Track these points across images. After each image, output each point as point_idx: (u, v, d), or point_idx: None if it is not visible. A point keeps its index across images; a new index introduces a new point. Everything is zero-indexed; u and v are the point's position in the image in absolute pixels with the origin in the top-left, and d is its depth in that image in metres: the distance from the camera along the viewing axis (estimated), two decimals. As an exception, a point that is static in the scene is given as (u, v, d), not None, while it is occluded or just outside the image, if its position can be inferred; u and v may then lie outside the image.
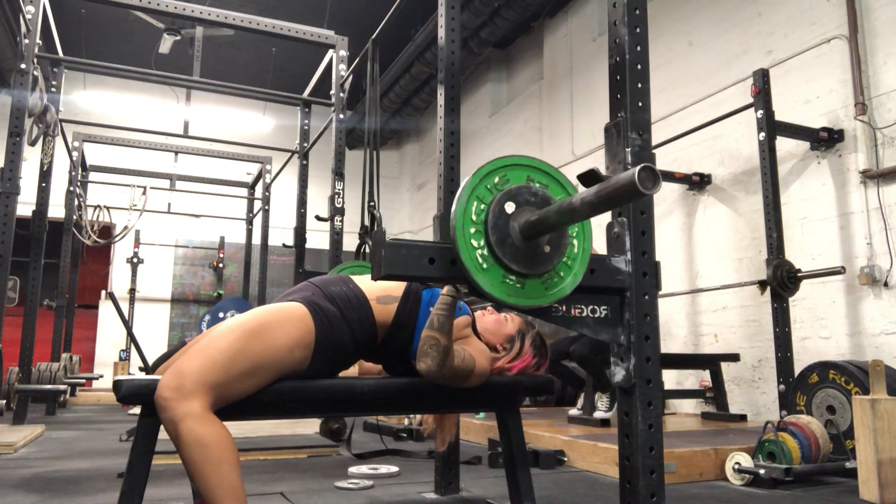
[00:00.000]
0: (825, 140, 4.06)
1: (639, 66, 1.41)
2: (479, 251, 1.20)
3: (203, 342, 1.48)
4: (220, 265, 9.35)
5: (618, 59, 1.42)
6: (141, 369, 6.04)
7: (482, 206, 1.23)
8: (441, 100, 2.49)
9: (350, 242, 4.08)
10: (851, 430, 2.75)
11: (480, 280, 1.19)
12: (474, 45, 7.11)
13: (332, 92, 4.69)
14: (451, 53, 2.51)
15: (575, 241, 1.31)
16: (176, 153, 7.34)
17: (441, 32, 2.54)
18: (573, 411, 3.97)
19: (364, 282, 1.75)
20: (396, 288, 1.76)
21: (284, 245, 5.52)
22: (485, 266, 1.21)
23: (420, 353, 1.56)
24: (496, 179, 1.25)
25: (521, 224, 1.22)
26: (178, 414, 1.33)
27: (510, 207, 1.23)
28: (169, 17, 5.80)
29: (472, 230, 1.21)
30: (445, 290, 1.60)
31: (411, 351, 1.73)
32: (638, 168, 1.01)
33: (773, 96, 3.86)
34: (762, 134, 3.81)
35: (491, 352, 1.82)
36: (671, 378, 5.20)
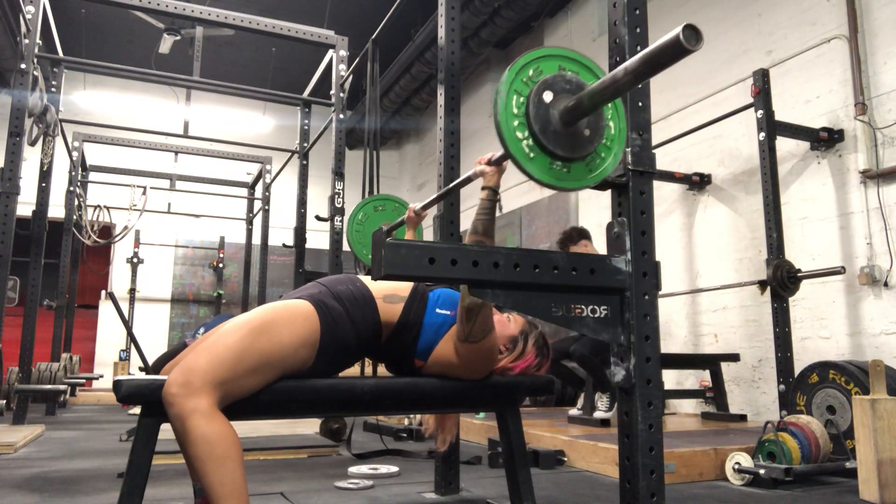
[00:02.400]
0: (825, 140, 4.06)
1: (639, 66, 1.41)
2: (525, 142, 1.24)
3: (210, 339, 1.49)
4: (220, 265, 9.35)
5: (618, 59, 1.42)
6: (141, 369, 6.04)
7: (521, 99, 1.26)
8: (441, 100, 2.49)
9: (350, 242, 4.08)
10: (851, 430, 2.75)
11: (530, 168, 1.23)
12: (474, 45, 7.10)
13: (332, 92, 4.69)
14: (451, 53, 2.51)
15: (611, 123, 1.35)
16: (176, 153, 7.34)
17: (441, 32, 2.54)
18: (573, 411, 3.97)
19: (371, 281, 1.76)
20: (404, 288, 1.76)
21: (284, 245, 5.52)
22: (532, 156, 1.24)
23: (459, 328, 1.61)
24: (531, 72, 1.28)
25: (560, 111, 1.26)
26: (185, 410, 1.34)
27: (548, 96, 1.26)
28: (169, 17, 5.80)
29: (516, 123, 1.24)
30: (484, 194, 1.66)
31: (416, 351, 1.74)
32: (681, 27, 1.03)
33: (773, 96, 3.87)
34: (762, 134, 3.81)
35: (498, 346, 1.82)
36: (671, 378, 5.20)
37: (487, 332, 1.67)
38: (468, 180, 1.86)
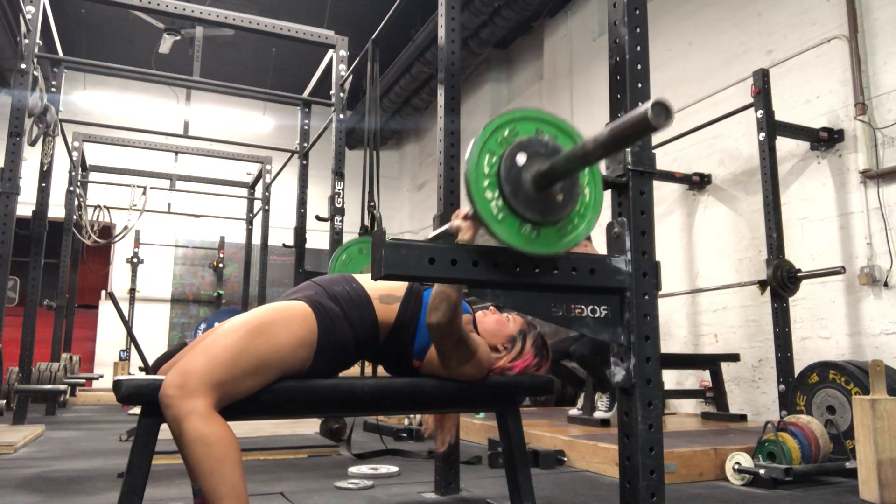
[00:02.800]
0: (825, 140, 4.06)
1: (639, 66, 1.41)
2: (494, 202, 1.23)
3: (207, 341, 1.48)
4: (220, 265, 9.35)
5: (618, 59, 1.42)
6: (141, 369, 6.03)
7: (494, 159, 1.25)
8: (441, 100, 2.49)
9: (350, 242, 4.07)
10: (851, 430, 2.75)
11: (498, 230, 1.22)
12: (474, 45, 7.10)
13: (332, 92, 4.69)
14: (451, 53, 2.51)
15: (586, 190, 1.34)
16: (176, 153, 7.34)
17: (441, 32, 2.54)
18: (573, 411, 3.97)
19: (367, 281, 1.75)
20: (399, 288, 1.76)
21: (284, 245, 5.52)
22: (500, 217, 1.23)
23: (430, 309, 1.58)
24: (506, 132, 1.27)
25: (533, 174, 1.25)
26: (182, 412, 1.34)
27: (521, 158, 1.25)
28: (169, 17, 5.80)
29: (486, 182, 1.23)
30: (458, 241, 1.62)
31: (413, 351, 1.74)
32: (650, 101, 1.00)
33: (773, 96, 3.86)
34: (762, 134, 3.81)
35: (492, 352, 1.82)
36: (671, 378, 5.20)
37: (464, 362, 1.67)
38: (446, 233, 1.81)
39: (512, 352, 1.84)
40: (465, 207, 1.65)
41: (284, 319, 1.54)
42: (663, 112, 1.00)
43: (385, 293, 1.73)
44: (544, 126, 1.32)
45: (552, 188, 1.26)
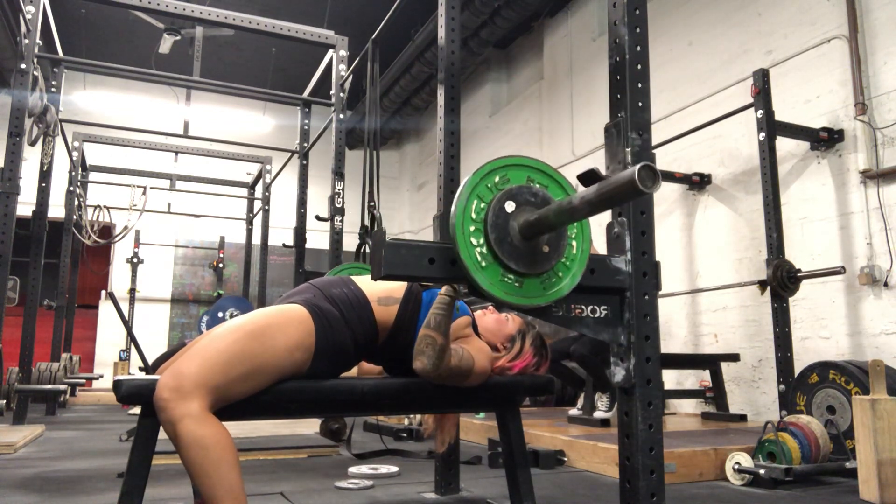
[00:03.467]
0: (825, 140, 4.06)
1: (639, 66, 1.41)
2: (479, 249, 1.21)
3: (202, 343, 1.47)
4: (220, 265, 9.35)
5: (618, 59, 1.42)
6: (141, 369, 6.03)
7: (482, 205, 1.23)
8: (441, 100, 2.49)
9: (350, 242, 4.08)
10: (851, 430, 2.75)
11: (479, 278, 1.20)
12: (474, 45, 7.10)
13: (332, 92, 4.69)
14: (451, 53, 2.51)
15: (574, 243, 1.32)
16: (176, 153, 7.34)
17: (441, 32, 2.54)
18: (573, 411, 3.97)
19: (365, 283, 1.75)
20: (398, 289, 1.76)
21: (284, 245, 5.52)
22: (483, 264, 1.21)
23: (416, 352, 1.57)
24: (497, 179, 1.25)
25: (520, 223, 1.23)
26: (176, 415, 1.33)
27: (510, 206, 1.24)
28: (169, 17, 5.80)
29: (472, 228, 1.21)
30: (444, 289, 1.60)
31: (412, 352, 1.73)
32: (638, 167, 1.01)
33: (773, 96, 3.86)
34: (762, 134, 3.81)
35: (492, 352, 1.82)
36: (671, 378, 5.20)
37: (461, 383, 1.66)
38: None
39: (511, 351, 1.84)
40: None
41: (281, 323, 1.53)
42: (650, 176, 1.01)
43: (384, 295, 1.73)
44: (536, 175, 1.30)
45: (539, 239, 1.24)
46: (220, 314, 6.11)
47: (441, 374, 1.58)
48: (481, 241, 1.21)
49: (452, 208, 1.21)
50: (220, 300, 6.80)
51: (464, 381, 1.66)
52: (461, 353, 1.64)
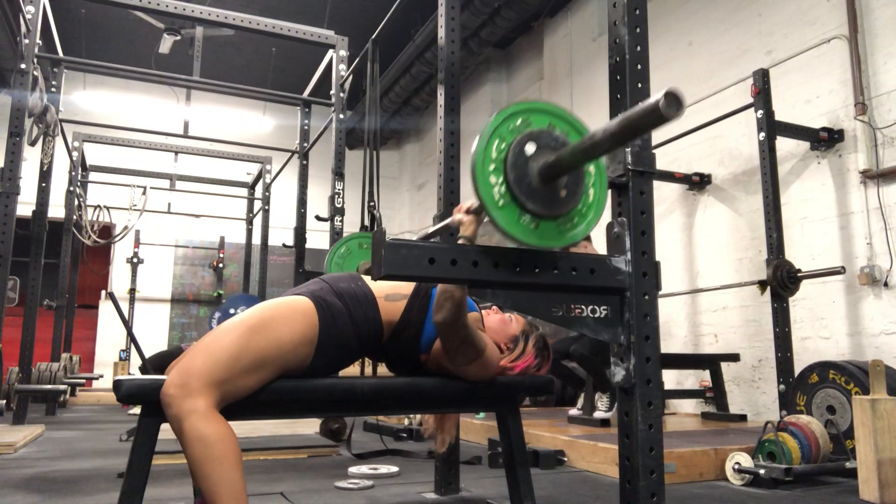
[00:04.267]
0: (825, 140, 4.06)
1: (639, 66, 1.41)
2: (497, 188, 1.22)
3: (207, 339, 1.48)
4: (220, 265, 9.35)
5: (618, 59, 1.42)
6: (141, 369, 6.03)
7: (503, 145, 1.24)
8: (441, 100, 2.49)
9: (350, 242, 4.07)
10: (851, 430, 2.75)
11: (497, 216, 1.21)
12: (474, 45, 7.10)
13: (332, 92, 4.69)
14: (451, 53, 2.51)
15: (591, 191, 1.33)
16: (176, 153, 7.34)
17: (441, 32, 2.54)
18: (573, 411, 3.97)
19: (373, 281, 1.75)
20: (406, 286, 1.76)
21: (284, 245, 5.52)
22: (501, 203, 1.22)
23: (435, 307, 1.58)
24: (519, 121, 1.26)
25: (540, 165, 1.24)
26: (182, 411, 1.34)
27: (531, 148, 1.24)
28: (169, 17, 5.80)
29: (492, 167, 1.23)
30: (460, 242, 1.61)
31: (420, 346, 1.73)
32: (662, 92, 1.00)
33: (773, 96, 3.86)
34: (762, 134, 3.81)
35: (496, 354, 1.82)
36: (671, 378, 5.20)
37: (472, 360, 1.66)
38: (447, 227, 1.82)
39: (514, 352, 1.84)
40: (466, 202, 1.65)
41: (285, 315, 1.54)
42: (675, 102, 1.00)
43: (391, 291, 1.73)
44: (557, 121, 1.31)
45: (557, 182, 1.25)
46: (232, 311, 6.10)
47: (457, 332, 1.58)
48: (500, 179, 1.23)
49: (473, 146, 1.22)
50: (231, 298, 6.78)
51: (472, 362, 1.66)
52: (477, 332, 1.66)
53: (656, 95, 1.01)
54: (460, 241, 1.59)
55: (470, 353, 1.65)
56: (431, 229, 1.98)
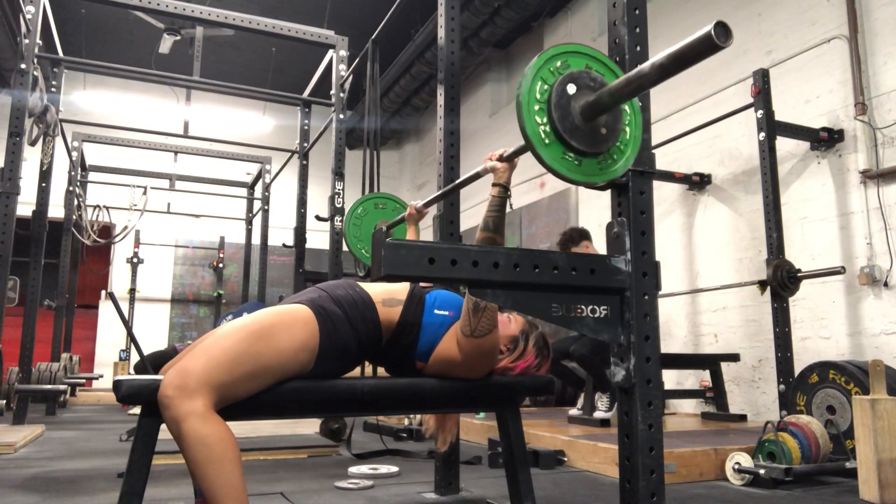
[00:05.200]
0: (825, 140, 4.06)
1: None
2: (542, 127, 1.26)
3: (207, 342, 1.48)
4: (220, 265, 9.35)
5: (618, 59, 1.42)
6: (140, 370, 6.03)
7: (545, 87, 1.28)
8: (441, 100, 2.49)
9: (350, 242, 4.07)
10: (851, 430, 2.75)
11: (544, 153, 1.25)
12: (474, 45, 7.10)
13: (332, 92, 4.69)
14: (451, 53, 2.51)
15: (627, 129, 1.37)
16: (176, 153, 7.34)
17: (441, 32, 2.54)
18: (573, 411, 3.97)
19: (369, 286, 1.76)
20: (400, 291, 1.76)
21: (284, 245, 5.52)
22: (547, 142, 1.26)
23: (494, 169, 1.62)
24: (558, 63, 1.30)
25: (581, 104, 1.28)
26: (180, 413, 1.34)
27: (572, 89, 1.28)
28: (169, 17, 5.80)
29: (536, 107, 1.27)
30: (495, 190, 1.63)
31: (416, 353, 1.74)
32: (713, 24, 1.05)
33: (773, 96, 3.86)
34: (762, 134, 3.81)
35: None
36: (671, 378, 5.20)
37: (493, 327, 1.67)
38: (477, 176, 1.85)
39: (514, 352, 1.84)
40: (497, 150, 1.67)
41: (286, 323, 1.54)
42: (724, 32, 1.06)
43: (388, 297, 1.74)
44: (594, 63, 1.35)
45: (597, 120, 1.29)
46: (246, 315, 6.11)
47: (503, 219, 1.62)
48: (545, 119, 1.27)
49: (519, 89, 1.26)
50: (248, 305, 6.79)
51: (491, 330, 1.65)
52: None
53: (707, 27, 1.06)
54: (495, 190, 1.63)
55: (491, 318, 1.65)
56: (458, 181, 1.99)
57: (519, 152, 1.66)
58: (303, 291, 1.76)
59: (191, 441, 1.32)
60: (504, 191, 1.65)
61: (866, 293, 3.83)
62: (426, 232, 9.70)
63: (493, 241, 1.60)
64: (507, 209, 1.70)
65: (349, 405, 1.71)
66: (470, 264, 1.24)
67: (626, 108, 1.37)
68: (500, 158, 1.66)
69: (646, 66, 1.19)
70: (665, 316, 5.22)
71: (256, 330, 1.49)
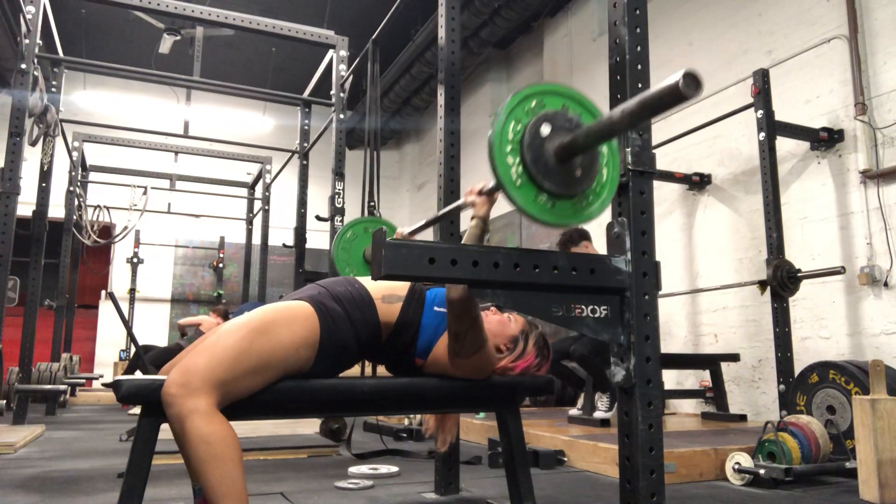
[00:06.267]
0: (825, 140, 4.06)
1: (639, 66, 1.41)
2: (515, 168, 1.25)
3: (209, 340, 1.48)
4: (220, 265, 9.36)
5: (618, 59, 1.42)
6: (134, 365, 6.03)
7: (519, 127, 1.27)
8: (441, 100, 2.49)
9: (350, 242, 4.07)
10: (851, 430, 2.75)
11: (515, 196, 1.24)
12: (474, 45, 7.10)
13: (332, 92, 4.69)
14: (451, 53, 2.51)
15: (604, 170, 1.36)
16: (176, 153, 7.35)
17: (441, 32, 2.54)
18: (573, 411, 3.97)
19: (369, 282, 1.76)
20: (401, 287, 1.76)
21: (284, 245, 5.52)
22: (519, 183, 1.25)
23: (449, 285, 1.59)
24: (533, 103, 1.29)
25: (555, 146, 1.27)
26: (184, 410, 1.34)
27: (546, 129, 1.27)
28: (169, 17, 5.80)
29: (509, 148, 1.25)
30: (473, 223, 1.62)
31: (416, 350, 1.74)
32: (682, 72, 1.03)
33: (773, 96, 3.86)
34: (762, 134, 3.81)
35: (495, 352, 1.82)
36: (671, 378, 5.20)
37: (478, 349, 1.66)
38: (458, 209, 1.84)
39: (514, 352, 1.84)
40: (477, 184, 1.66)
41: (287, 319, 1.54)
42: (693, 83, 1.03)
43: (387, 293, 1.74)
44: (571, 103, 1.34)
45: (572, 161, 1.28)
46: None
47: (470, 311, 1.59)
48: (517, 160, 1.25)
49: (490, 129, 1.24)
50: (243, 305, 6.81)
51: (479, 350, 1.65)
52: (482, 318, 1.66)
53: (675, 76, 1.04)
54: (474, 222, 1.62)
55: (478, 339, 1.64)
56: (441, 212, 1.98)
57: (498, 188, 1.63)
58: (302, 288, 1.76)
59: (194, 439, 1.33)
60: (482, 223, 1.62)
61: (866, 293, 3.83)
62: (426, 232, 9.68)
63: None
64: (485, 242, 1.67)
65: (349, 405, 1.71)
66: (470, 264, 1.24)
67: (604, 148, 1.35)
68: (480, 192, 1.62)
69: (616, 112, 1.18)
70: (665, 316, 5.22)
71: (258, 326, 1.50)
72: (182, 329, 6.43)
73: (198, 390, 1.36)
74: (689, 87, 1.02)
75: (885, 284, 3.73)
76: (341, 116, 4.56)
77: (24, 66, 3.94)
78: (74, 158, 6.50)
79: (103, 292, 8.98)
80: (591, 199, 1.33)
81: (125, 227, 6.34)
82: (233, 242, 9.40)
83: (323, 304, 1.63)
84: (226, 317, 6.60)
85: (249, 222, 8.26)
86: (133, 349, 7.25)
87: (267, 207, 7.33)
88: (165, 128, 6.52)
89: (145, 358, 3.03)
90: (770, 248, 3.72)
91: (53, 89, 4.98)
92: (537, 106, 1.29)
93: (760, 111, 3.81)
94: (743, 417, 4.07)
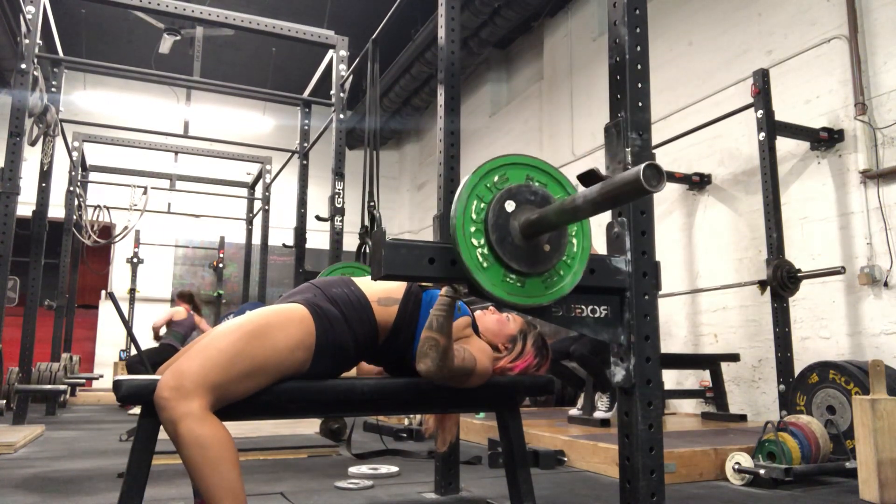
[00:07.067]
0: (825, 140, 4.06)
1: (639, 66, 1.41)
2: (480, 250, 1.21)
3: (203, 342, 1.48)
4: (220, 265, 9.35)
5: (618, 59, 1.42)
6: (131, 363, 6.02)
7: (482, 205, 1.23)
8: (441, 100, 2.49)
9: (350, 242, 4.08)
10: (851, 430, 2.75)
11: (481, 279, 1.19)
12: (474, 45, 7.10)
13: (332, 92, 4.69)
14: (451, 53, 2.51)
15: (574, 241, 1.32)
16: (176, 153, 7.34)
17: (441, 32, 2.54)
18: (573, 411, 3.97)
19: (365, 283, 1.75)
20: (397, 290, 1.76)
21: (284, 245, 5.52)
22: (485, 265, 1.21)
23: (419, 354, 1.56)
24: (496, 178, 1.25)
25: (521, 223, 1.22)
26: (177, 414, 1.33)
27: (510, 206, 1.23)
28: (169, 17, 5.80)
29: (473, 229, 1.21)
30: (444, 290, 1.59)
31: (412, 352, 1.73)
32: (643, 166, 1.00)
33: (773, 96, 3.86)
34: (762, 134, 3.81)
35: (493, 352, 1.82)
36: (671, 378, 5.20)
37: (464, 383, 1.66)
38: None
39: (513, 352, 1.84)
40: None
41: (282, 322, 1.54)
42: (655, 175, 1.00)
43: (383, 295, 1.73)
44: (535, 173, 1.30)
45: (540, 238, 1.24)
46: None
47: (444, 376, 1.58)
48: (482, 241, 1.21)
49: (452, 209, 1.20)
50: (243, 305, 6.81)
51: (466, 382, 1.66)
52: (463, 353, 1.64)
53: (637, 168, 1.00)
54: (444, 290, 1.58)
55: (460, 379, 1.64)
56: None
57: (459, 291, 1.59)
58: (297, 289, 1.75)
59: (187, 442, 1.32)
60: (453, 291, 1.57)
61: (866, 293, 3.83)
62: (426, 232, 9.70)
63: (435, 340, 1.53)
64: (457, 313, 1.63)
65: (349, 405, 1.71)
66: (470, 264, 1.24)
67: None
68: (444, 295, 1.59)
69: (579, 199, 1.14)
70: (665, 316, 5.22)
71: (252, 329, 1.49)
72: (156, 332, 6.36)
73: (190, 393, 1.35)
74: (650, 181, 1.00)
75: (885, 284, 3.73)
76: (341, 116, 4.56)
77: (24, 66, 3.94)
78: (74, 158, 6.50)
79: (103, 292, 8.98)
80: (563, 272, 1.29)
81: (125, 227, 6.34)
82: (233, 242, 9.40)
83: (318, 306, 1.62)
84: (191, 301, 6.57)
85: (249, 222, 8.26)
86: (132, 347, 7.25)
87: (267, 207, 7.33)
88: (165, 128, 6.53)
89: (146, 360, 3.04)
90: (770, 248, 3.72)
91: (53, 89, 4.97)
92: (500, 181, 1.24)
93: (760, 111, 3.81)
94: (743, 417, 4.07)
